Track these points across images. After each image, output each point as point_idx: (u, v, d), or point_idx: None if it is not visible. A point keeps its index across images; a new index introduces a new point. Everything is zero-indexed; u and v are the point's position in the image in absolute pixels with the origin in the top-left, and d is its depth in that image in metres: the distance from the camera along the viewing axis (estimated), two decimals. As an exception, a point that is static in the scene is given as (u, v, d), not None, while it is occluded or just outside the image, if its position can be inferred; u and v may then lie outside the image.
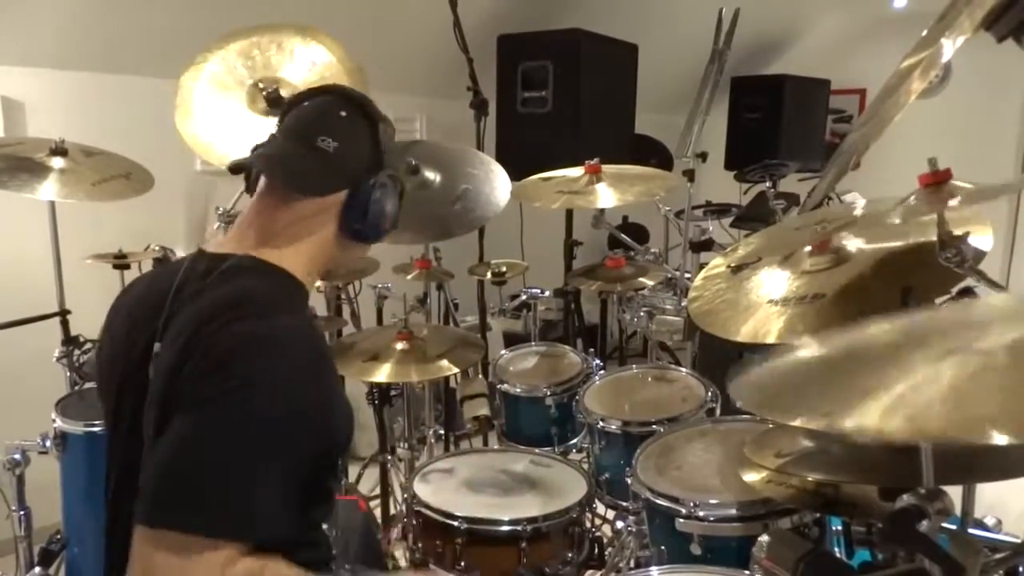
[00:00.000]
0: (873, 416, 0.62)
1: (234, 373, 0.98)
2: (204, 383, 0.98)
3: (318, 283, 2.46)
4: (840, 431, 0.62)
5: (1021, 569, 1.14)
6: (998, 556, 1.03)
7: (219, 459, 0.95)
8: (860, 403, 0.65)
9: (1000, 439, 0.76)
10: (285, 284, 1.13)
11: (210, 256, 1.14)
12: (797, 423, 0.69)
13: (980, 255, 1.15)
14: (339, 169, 1.15)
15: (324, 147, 1.13)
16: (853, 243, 1.38)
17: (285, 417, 0.98)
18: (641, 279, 2.38)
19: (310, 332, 1.10)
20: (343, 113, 1.17)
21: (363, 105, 1.19)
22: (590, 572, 1.75)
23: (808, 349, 0.78)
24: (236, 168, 1.17)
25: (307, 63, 2.03)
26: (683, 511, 1.44)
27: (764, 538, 1.16)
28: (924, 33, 1.19)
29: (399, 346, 1.94)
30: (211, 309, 1.02)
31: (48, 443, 1.89)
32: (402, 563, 1.86)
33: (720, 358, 2.73)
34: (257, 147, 1.20)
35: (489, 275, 2.73)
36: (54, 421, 1.91)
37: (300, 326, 1.08)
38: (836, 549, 1.43)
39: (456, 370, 1.93)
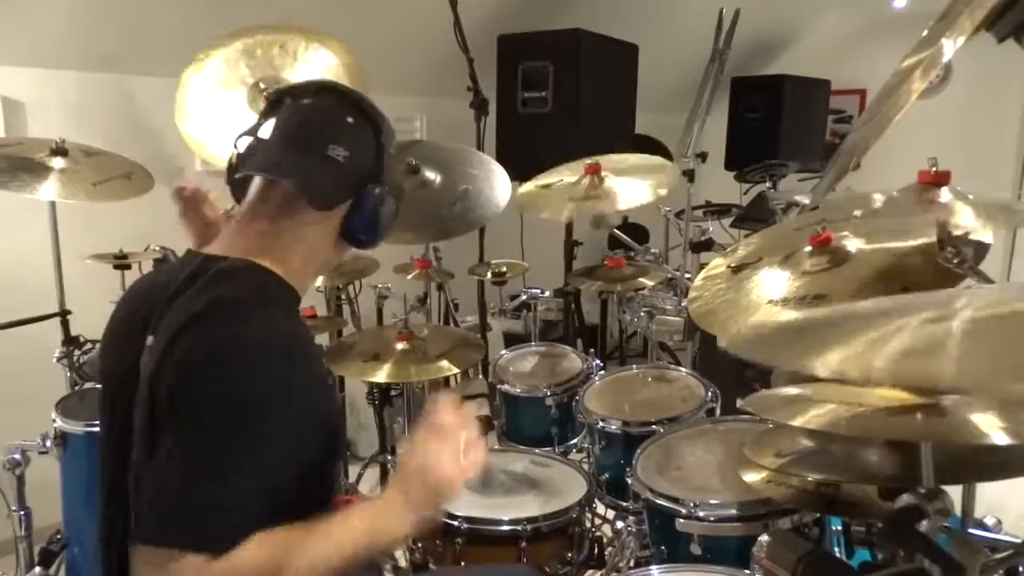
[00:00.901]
0: (833, 363, 0.64)
1: (210, 385, 0.98)
2: (183, 393, 0.98)
3: (317, 283, 2.47)
4: (806, 372, 0.65)
5: (1021, 569, 1.14)
6: (998, 556, 1.03)
7: (201, 475, 0.96)
8: (826, 351, 0.67)
9: (999, 436, 0.76)
10: (274, 290, 1.12)
11: (204, 258, 1.13)
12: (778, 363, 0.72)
13: (984, 248, 1.15)
14: (348, 180, 1.14)
15: (335, 156, 1.12)
16: (853, 243, 1.38)
17: (260, 428, 0.98)
18: (641, 279, 2.38)
19: (292, 340, 1.07)
20: (350, 119, 1.15)
21: (368, 110, 1.18)
22: (590, 572, 1.75)
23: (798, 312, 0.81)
24: (242, 179, 1.16)
25: (309, 64, 2.03)
26: (683, 511, 1.44)
27: (764, 538, 1.16)
28: (924, 33, 1.19)
29: (399, 346, 1.95)
30: (194, 313, 1.02)
31: (48, 443, 1.89)
32: (402, 563, 1.86)
33: (720, 358, 2.73)
34: (241, 136, 1.18)
35: (489, 275, 2.73)
36: (54, 421, 1.91)
37: (281, 334, 1.06)
38: (836, 549, 1.43)
39: (456, 370, 1.93)
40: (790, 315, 0.79)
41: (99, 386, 1.24)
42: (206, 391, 0.98)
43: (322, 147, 1.12)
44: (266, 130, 1.17)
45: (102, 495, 1.15)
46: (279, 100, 1.19)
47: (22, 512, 1.93)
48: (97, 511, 1.16)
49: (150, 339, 1.06)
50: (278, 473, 1.00)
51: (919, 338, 0.64)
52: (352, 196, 1.15)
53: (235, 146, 1.19)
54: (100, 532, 1.15)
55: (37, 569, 1.89)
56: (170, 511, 0.95)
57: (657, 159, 2.44)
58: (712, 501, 1.44)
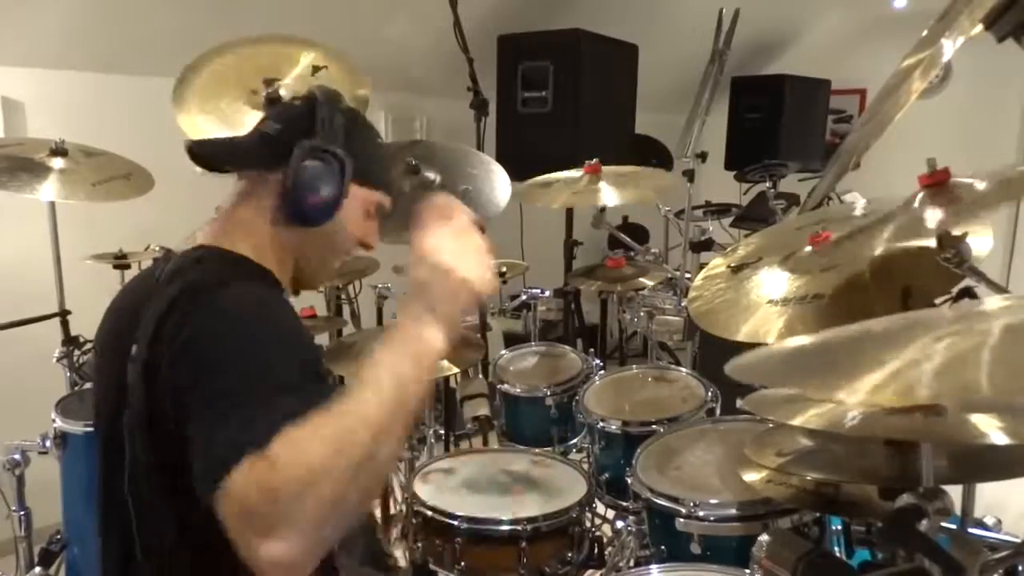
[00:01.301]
0: (866, 388, 0.63)
1: (200, 357, 0.98)
2: (182, 375, 0.98)
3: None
4: (835, 401, 0.63)
5: (1021, 569, 1.14)
6: (998, 556, 1.03)
7: (230, 417, 0.91)
8: (855, 378, 0.65)
9: (999, 436, 0.76)
10: (237, 264, 1.13)
11: (180, 253, 1.15)
12: (794, 391, 0.70)
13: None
14: (274, 147, 1.13)
15: (266, 129, 1.14)
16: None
17: (265, 369, 0.96)
18: (641, 279, 2.38)
19: (262, 297, 1.06)
20: (296, 103, 1.17)
21: (316, 93, 1.15)
22: (590, 572, 1.75)
23: (809, 337, 0.79)
24: (192, 152, 1.17)
25: (306, 71, 2.03)
26: (683, 511, 1.44)
27: (764, 538, 1.16)
28: (924, 33, 1.19)
29: (399, 346, 1.94)
30: (169, 303, 1.03)
31: (48, 443, 1.89)
32: (402, 563, 1.86)
33: (720, 358, 2.73)
34: None
35: (489, 275, 2.73)
36: (54, 421, 1.91)
37: (250, 294, 1.05)
38: (836, 549, 1.43)
39: (456, 370, 1.93)
40: (803, 340, 0.78)
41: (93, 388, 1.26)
42: (199, 364, 0.98)
43: (260, 127, 1.16)
44: None
45: (100, 494, 1.15)
46: None
47: (22, 512, 1.93)
48: (96, 510, 1.16)
49: (135, 348, 1.06)
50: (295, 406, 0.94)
51: (950, 353, 0.64)
52: (282, 164, 1.12)
53: None
54: (100, 531, 1.16)
55: (37, 569, 1.89)
56: (218, 452, 0.88)
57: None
58: (712, 501, 1.44)
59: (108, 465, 1.12)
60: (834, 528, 1.43)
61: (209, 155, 1.16)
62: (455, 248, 0.95)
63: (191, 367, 0.98)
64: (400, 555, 1.89)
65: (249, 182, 1.17)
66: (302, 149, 1.10)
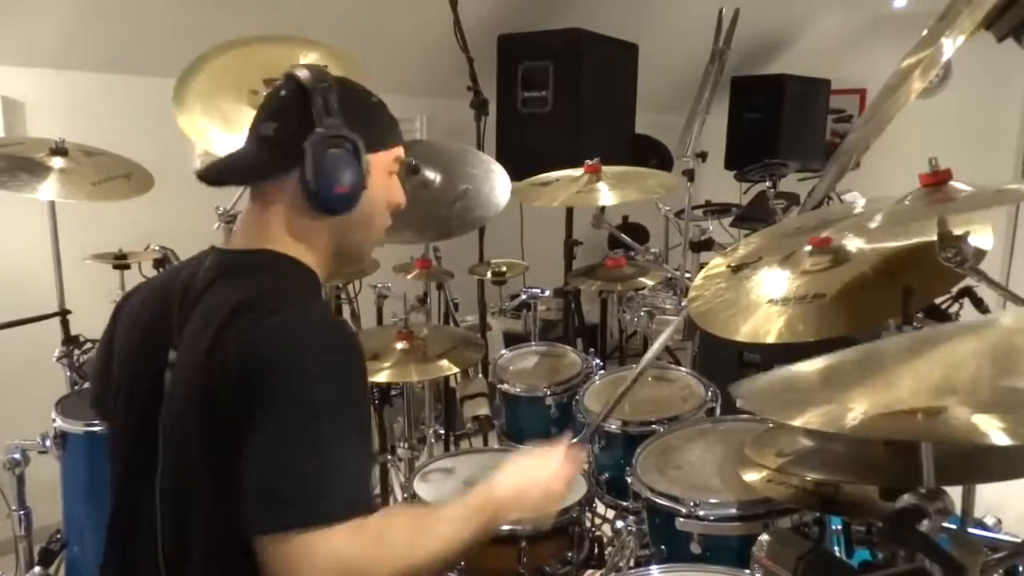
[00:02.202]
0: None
1: (282, 371, 0.98)
2: (257, 384, 0.97)
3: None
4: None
5: (1021, 569, 1.14)
6: (998, 556, 1.03)
7: (305, 455, 0.95)
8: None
9: (999, 436, 0.76)
10: (301, 274, 1.13)
11: (220, 252, 1.14)
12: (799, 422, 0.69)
13: (980, 254, 1.16)
14: (280, 148, 1.12)
15: (266, 133, 1.13)
16: (853, 243, 1.38)
17: (342, 399, 1.00)
18: (641, 279, 2.38)
19: (338, 321, 1.14)
20: (283, 93, 1.14)
21: (297, 76, 1.13)
22: (590, 572, 1.75)
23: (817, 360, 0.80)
24: (202, 178, 1.16)
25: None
26: (683, 510, 1.44)
27: (764, 537, 1.16)
28: (924, 33, 1.19)
29: (399, 346, 1.94)
30: (239, 303, 1.02)
31: (48, 443, 1.89)
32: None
33: (720, 358, 2.73)
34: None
35: (489, 275, 2.73)
36: (54, 421, 1.91)
37: (329, 314, 1.12)
38: (836, 549, 1.43)
39: (456, 370, 1.93)
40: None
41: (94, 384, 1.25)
42: (280, 378, 0.98)
43: (256, 129, 1.14)
44: None
45: (114, 495, 1.14)
46: None
47: (22, 512, 1.93)
48: (102, 511, 1.15)
49: (172, 355, 1.06)
50: (363, 449, 1.03)
51: None
52: (295, 163, 1.10)
53: None
54: (111, 530, 1.14)
55: (37, 569, 1.89)
56: (287, 496, 0.94)
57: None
58: (712, 500, 1.43)
59: (130, 465, 1.11)
60: (834, 528, 1.43)
61: (221, 177, 1.16)
62: (562, 472, 1.27)
63: (268, 375, 0.98)
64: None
65: (268, 189, 1.13)
66: (312, 145, 1.08)
